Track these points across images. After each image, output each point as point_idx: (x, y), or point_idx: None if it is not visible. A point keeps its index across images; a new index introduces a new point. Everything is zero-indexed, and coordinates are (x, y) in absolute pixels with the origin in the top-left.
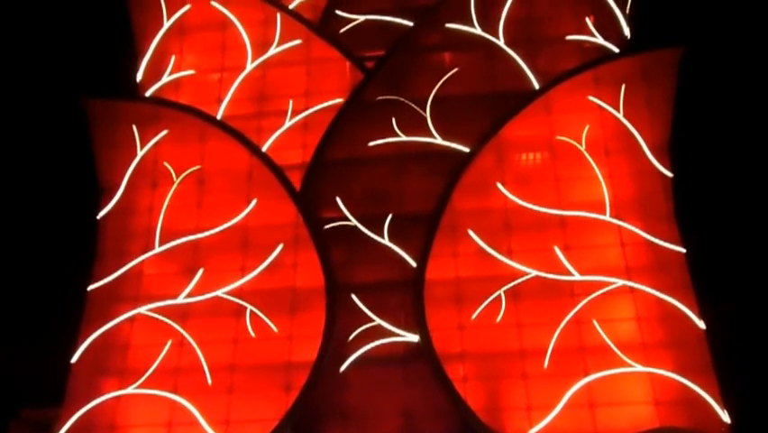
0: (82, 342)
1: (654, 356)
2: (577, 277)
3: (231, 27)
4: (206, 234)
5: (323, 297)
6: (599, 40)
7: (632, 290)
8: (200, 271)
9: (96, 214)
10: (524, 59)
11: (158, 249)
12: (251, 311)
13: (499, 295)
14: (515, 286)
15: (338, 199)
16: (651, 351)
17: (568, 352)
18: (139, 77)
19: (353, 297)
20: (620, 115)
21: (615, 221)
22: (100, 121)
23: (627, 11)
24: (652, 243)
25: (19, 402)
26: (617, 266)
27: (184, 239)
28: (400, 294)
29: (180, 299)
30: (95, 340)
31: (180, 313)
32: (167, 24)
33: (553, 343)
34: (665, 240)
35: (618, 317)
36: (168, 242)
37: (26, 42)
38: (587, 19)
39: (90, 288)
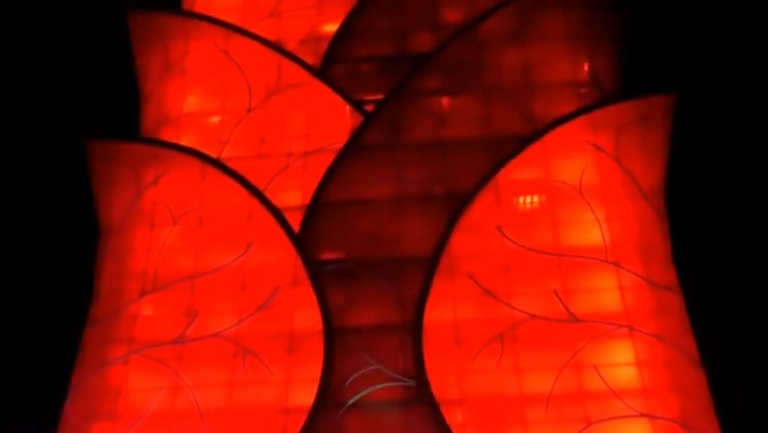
0: (75, 385)
1: (656, 402)
2: (576, 321)
3: (232, 70)
4: (204, 275)
5: (321, 339)
6: (595, 85)
7: (632, 334)
8: (196, 315)
9: (95, 254)
10: (521, 104)
11: (154, 290)
12: (248, 354)
13: (498, 339)
14: (514, 330)
15: (337, 242)
16: (652, 396)
17: (568, 397)
18: (140, 118)
19: (351, 340)
20: (617, 159)
21: (613, 264)
22: (100, 161)
23: (623, 56)
24: (650, 286)
25: None
26: (616, 310)
27: (181, 280)
28: (399, 337)
29: (176, 342)
30: (87, 383)
31: (176, 355)
32: (169, 66)
33: (553, 388)
34: (664, 283)
35: (618, 361)
36: (165, 283)
37: (29, 83)
38: (582, 64)
39: (84, 330)
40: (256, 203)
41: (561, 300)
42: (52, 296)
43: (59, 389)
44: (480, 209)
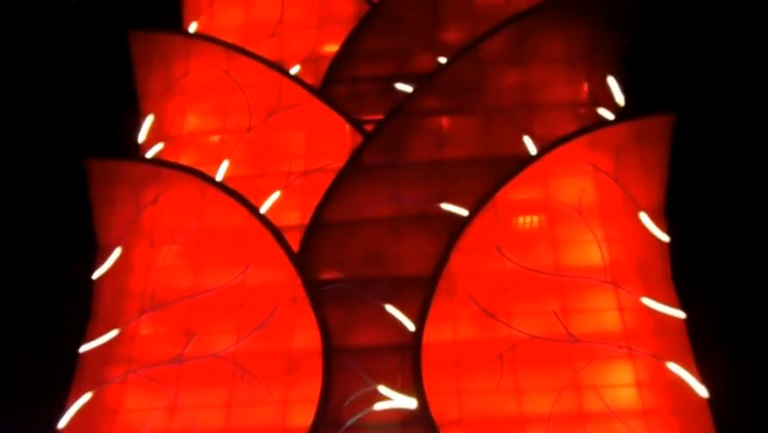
0: (71, 405)
1: (656, 423)
2: (576, 341)
3: (233, 90)
4: (203, 294)
5: (319, 359)
6: (594, 106)
7: (632, 355)
8: (195, 334)
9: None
10: (520, 124)
11: (153, 309)
12: (246, 374)
13: (498, 359)
14: (513, 350)
15: (336, 262)
16: (652, 418)
17: (568, 418)
18: (141, 137)
19: (350, 360)
20: (616, 179)
21: (612, 285)
22: (100, 181)
23: (622, 77)
24: (650, 307)
25: None
26: (616, 330)
27: (180, 299)
28: (398, 357)
29: (174, 361)
30: (85, 402)
31: (174, 375)
32: (170, 86)
33: (553, 409)
34: (664, 304)
35: (618, 382)
36: (164, 302)
37: (29, 101)
38: (582, 85)
39: (82, 349)
40: (255, 222)
41: (560, 321)
42: (50, 314)
43: (56, 408)
44: (480, 229)
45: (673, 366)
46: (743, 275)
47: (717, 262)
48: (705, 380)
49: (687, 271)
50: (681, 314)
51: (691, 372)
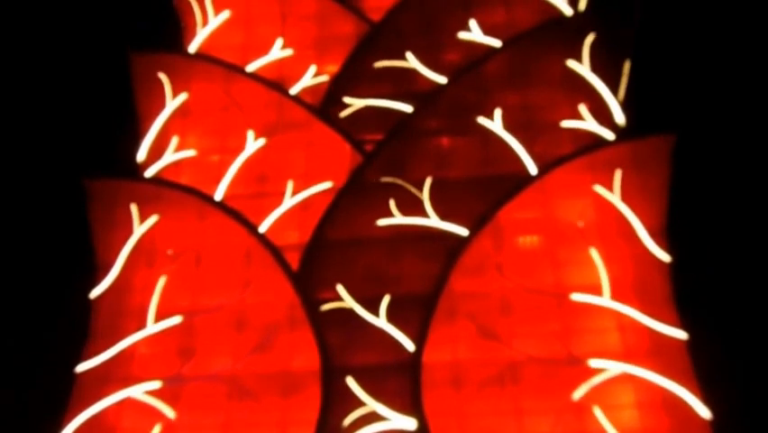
0: (68, 425)
1: None
2: (577, 362)
3: (233, 109)
4: (201, 313)
5: (318, 379)
6: (594, 126)
7: (633, 375)
8: (193, 354)
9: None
10: (520, 145)
11: (151, 328)
12: (244, 395)
13: (499, 380)
14: (514, 370)
15: (336, 281)
16: None
17: None
18: (140, 157)
19: (349, 381)
20: (616, 200)
21: (614, 305)
22: (99, 200)
23: (621, 97)
24: (651, 326)
25: None
26: (617, 351)
27: (178, 319)
28: (397, 378)
29: (171, 381)
30: (81, 424)
31: (171, 395)
32: (169, 105)
33: (554, 430)
34: (664, 323)
35: (619, 403)
36: (162, 321)
37: (29, 121)
38: (582, 105)
39: (79, 368)
40: (254, 242)
41: (561, 341)
42: (47, 333)
43: (53, 428)
44: (480, 249)
45: (675, 387)
46: (746, 294)
47: (719, 281)
48: (707, 401)
49: (689, 291)
50: (682, 334)
51: (694, 393)
